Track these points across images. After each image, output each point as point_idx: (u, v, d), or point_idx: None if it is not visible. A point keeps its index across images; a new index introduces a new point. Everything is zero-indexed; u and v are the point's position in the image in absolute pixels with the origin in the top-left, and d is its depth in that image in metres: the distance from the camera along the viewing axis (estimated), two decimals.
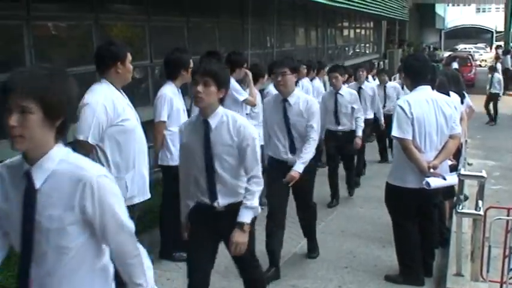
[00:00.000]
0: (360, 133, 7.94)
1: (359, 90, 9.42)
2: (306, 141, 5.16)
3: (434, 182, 4.76)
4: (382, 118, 9.87)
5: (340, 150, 8.09)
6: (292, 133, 5.24)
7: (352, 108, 7.90)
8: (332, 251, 6.21)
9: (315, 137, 5.19)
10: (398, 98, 10.12)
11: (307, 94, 9.20)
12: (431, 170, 4.77)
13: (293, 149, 5.26)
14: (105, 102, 4.06)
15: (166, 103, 5.29)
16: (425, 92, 4.93)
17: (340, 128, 7.95)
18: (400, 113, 4.83)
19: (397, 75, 13.73)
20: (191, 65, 5.45)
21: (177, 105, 5.35)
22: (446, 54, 37.90)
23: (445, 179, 4.86)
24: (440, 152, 4.88)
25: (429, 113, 4.83)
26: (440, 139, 4.89)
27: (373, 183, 8.87)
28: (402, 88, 10.67)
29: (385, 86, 11.02)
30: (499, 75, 18.08)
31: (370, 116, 9.69)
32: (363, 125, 8.04)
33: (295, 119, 5.20)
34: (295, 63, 5.15)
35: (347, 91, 8.05)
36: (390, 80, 11.63)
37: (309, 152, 5.14)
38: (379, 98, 10.13)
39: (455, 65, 23.44)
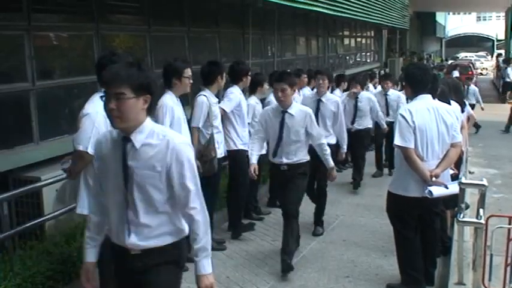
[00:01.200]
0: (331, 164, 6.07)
1: (318, 103, 7.38)
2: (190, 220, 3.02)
3: (437, 191, 4.76)
4: (345, 144, 7.53)
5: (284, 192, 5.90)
6: (134, 199, 2.93)
7: (307, 132, 5.82)
8: (333, 260, 6.20)
9: (198, 206, 2.99)
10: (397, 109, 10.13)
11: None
12: (434, 179, 4.77)
13: (136, 228, 2.98)
14: (104, 112, 4.06)
15: (167, 112, 5.30)
16: (426, 100, 4.93)
17: (285, 161, 5.81)
18: (402, 121, 4.83)
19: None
20: (186, 74, 5.45)
21: (178, 114, 5.35)
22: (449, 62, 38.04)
23: (447, 187, 4.86)
24: (442, 160, 4.88)
25: (431, 122, 4.84)
26: (442, 147, 4.89)
27: (374, 193, 8.85)
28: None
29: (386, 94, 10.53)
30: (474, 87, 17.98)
31: (332, 140, 7.31)
32: (328, 151, 6.04)
33: (142, 174, 2.90)
34: (143, 75, 2.85)
35: (298, 109, 5.84)
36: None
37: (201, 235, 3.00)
38: (344, 113, 8.08)
39: (456, 74, 23.48)
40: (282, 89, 5.67)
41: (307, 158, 5.94)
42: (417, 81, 5.00)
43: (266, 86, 7.73)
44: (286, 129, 5.77)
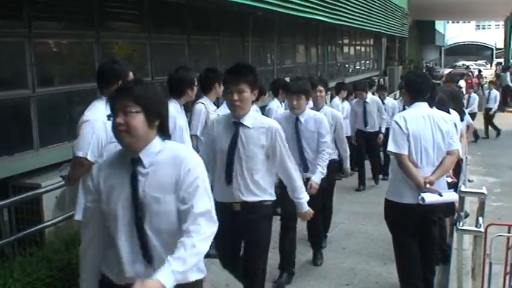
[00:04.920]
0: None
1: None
2: None
3: (429, 198, 4.75)
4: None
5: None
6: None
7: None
8: (333, 268, 6.19)
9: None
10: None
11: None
12: (428, 186, 4.77)
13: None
14: (104, 119, 4.07)
15: (170, 121, 5.29)
16: (421, 108, 4.95)
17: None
18: (395, 128, 4.86)
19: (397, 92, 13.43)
20: (195, 83, 5.50)
21: (180, 123, 5.35)
22: (447, 71, 38.16)
23: (441, 195, 4.85)
24: (437, 168, 4.88)
25: (425, 129, 4.85)
26: (437, 155, 4.89)
27: (374, 200, 8.84)
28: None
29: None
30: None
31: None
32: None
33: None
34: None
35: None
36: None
37: None
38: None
39: (462, 83, 23.58)
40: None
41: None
42: (416, 89, 5.02)
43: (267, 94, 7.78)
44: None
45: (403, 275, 5.21)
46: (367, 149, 10.50)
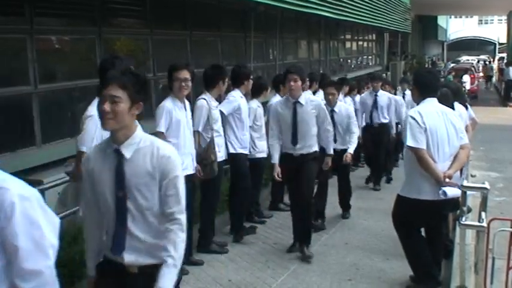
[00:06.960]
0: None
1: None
2: None
3: (451, 191, 4.79)
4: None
5: None
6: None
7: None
8: (335, 263, 6.19)
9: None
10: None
11: None
12: (447, 180, 4.79)
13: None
14: None
15: (164, 114, 5.31)
16: (433, 104, 4.99)
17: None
18: (412, 123, 4.86)
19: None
20: (174, 77, 5.48)
21: (177, 117, 5.35)
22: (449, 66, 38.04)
23: (459, 188, 4.90)
24: (453, 162, 4.92)
25: (440, 124, 4.89)
26: (452, 150, 4.94)
27: (376, 196, 8.86)
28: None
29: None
30: None
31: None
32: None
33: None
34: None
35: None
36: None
37: None
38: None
39: (466, 78, 23.57)
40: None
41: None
42: (427, 86, 5.04)
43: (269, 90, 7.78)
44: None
45: (419, 267, 5.22)
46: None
